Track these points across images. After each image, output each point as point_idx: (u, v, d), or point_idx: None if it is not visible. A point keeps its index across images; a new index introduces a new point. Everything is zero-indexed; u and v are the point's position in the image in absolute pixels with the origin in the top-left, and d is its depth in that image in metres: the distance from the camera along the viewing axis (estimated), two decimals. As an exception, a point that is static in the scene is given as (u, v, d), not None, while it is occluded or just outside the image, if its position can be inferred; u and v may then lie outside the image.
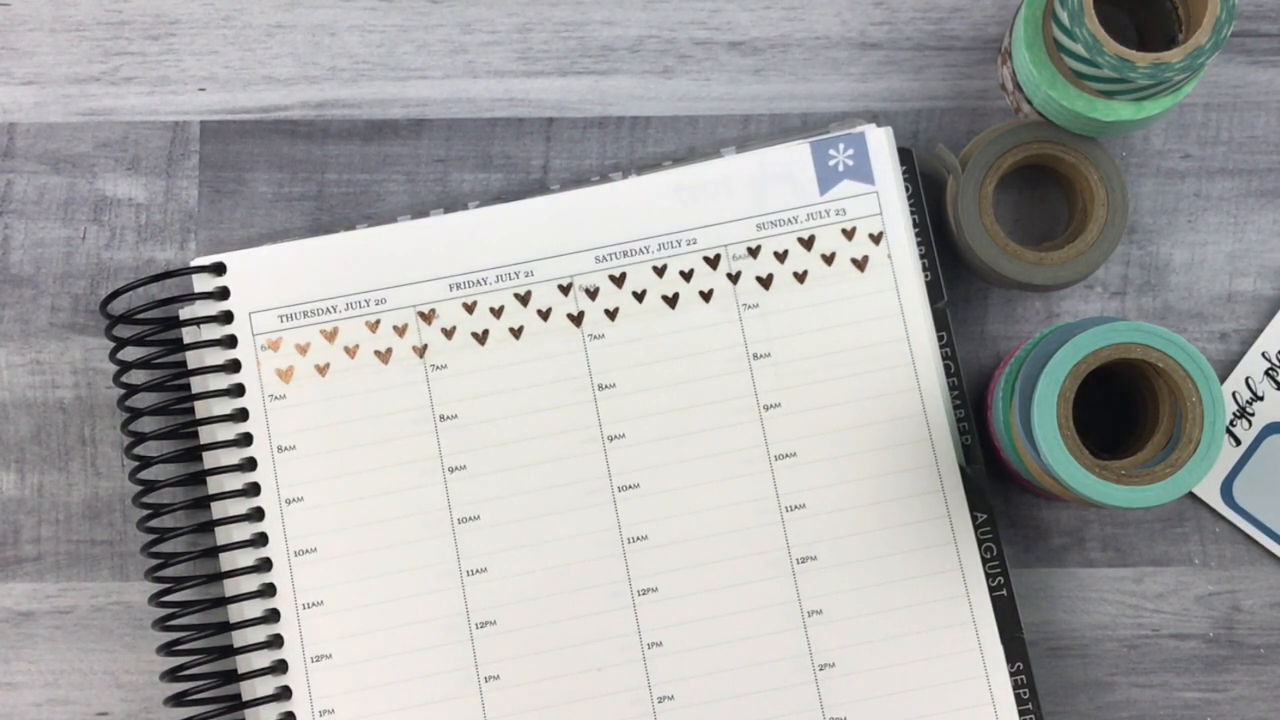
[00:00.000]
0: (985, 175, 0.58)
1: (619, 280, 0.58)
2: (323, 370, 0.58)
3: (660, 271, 0.59)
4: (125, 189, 0.62)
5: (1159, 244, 0.61)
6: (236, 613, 0.57)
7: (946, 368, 0.59)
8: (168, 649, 0.57)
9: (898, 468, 0.58)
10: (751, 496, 0.58)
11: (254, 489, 0.58)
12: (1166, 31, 0.57)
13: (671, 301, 0.58)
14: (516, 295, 0.58)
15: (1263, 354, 0.60)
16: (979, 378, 0.61)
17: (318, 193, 0.61)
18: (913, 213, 0.59)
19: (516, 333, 0.58)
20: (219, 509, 0.58)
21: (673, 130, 0.62)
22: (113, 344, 0.60)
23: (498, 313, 0.58)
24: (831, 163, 0.59)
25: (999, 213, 0.61)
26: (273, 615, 0.57)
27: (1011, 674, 0.57)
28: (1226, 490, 0.60)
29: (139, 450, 0.59)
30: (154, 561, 0.58)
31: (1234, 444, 0.60)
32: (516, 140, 0.62)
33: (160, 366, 0.59)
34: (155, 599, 0.57)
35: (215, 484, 0.58)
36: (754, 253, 0.59)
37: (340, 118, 0.62)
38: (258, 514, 0.58)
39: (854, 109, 0.62)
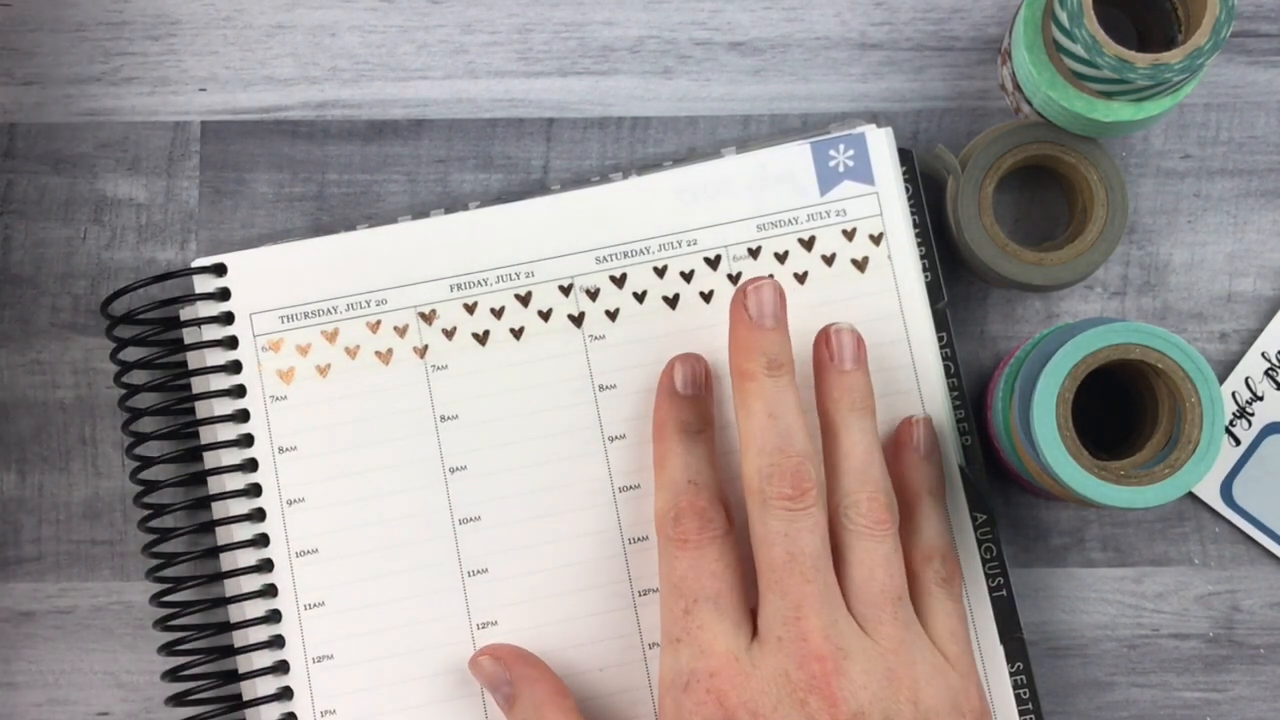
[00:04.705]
0: (985, 175, 0.58)
1: (619, 281, 0.58)
2: (323, 371, 0.58)
3: (661, 272, 0.59)
4: (126, 189, 0.62)
5: (1159, 244, 0.61)
6: (237, 613, 0.57)
7: (946, 368, 0.59)
8: (168, 649, 0.57)
9: (898, 468, 0.58)
10: (752, 497, 0.58)
11: (255, 490, 0.58)
12: (1166, 32, 0.57)
13: (672, 302, 0.58)
14: (517, 296, 0.58)
15: (1263, 354, 0.60)
16: (979, 378, 0.61)
17: (318, 193, 0.61)
18: (913, 213, 0.59)
19: (517, 333, 0.58)
20: (220, 509, 0.58)
21: (673, 130, 0.62)
22: (113, 344, 0.59)
23: (498, 313, 0.58)
24: (832, 163, 0.59)
25: (999, 213, 0.61)
26: (274, 616, 0.57)
27: (1011, 674, 0.57)
28: (1226, 490, 0.60)
29: (140, 450, 0.59)
30: (155, 562, 0.58)
31: (1234, 444, 0.60)
32: (517, 140, 0.62)
33: (161, 367, 0.59)
34: (156, 599, 0.57)
35: (216, 484, 0.58)
36: (754, 254, 0.59)
37: (340, 118, 0.62)
38: (259, 515, 0.58)
39: (854, 109, 0.62)
